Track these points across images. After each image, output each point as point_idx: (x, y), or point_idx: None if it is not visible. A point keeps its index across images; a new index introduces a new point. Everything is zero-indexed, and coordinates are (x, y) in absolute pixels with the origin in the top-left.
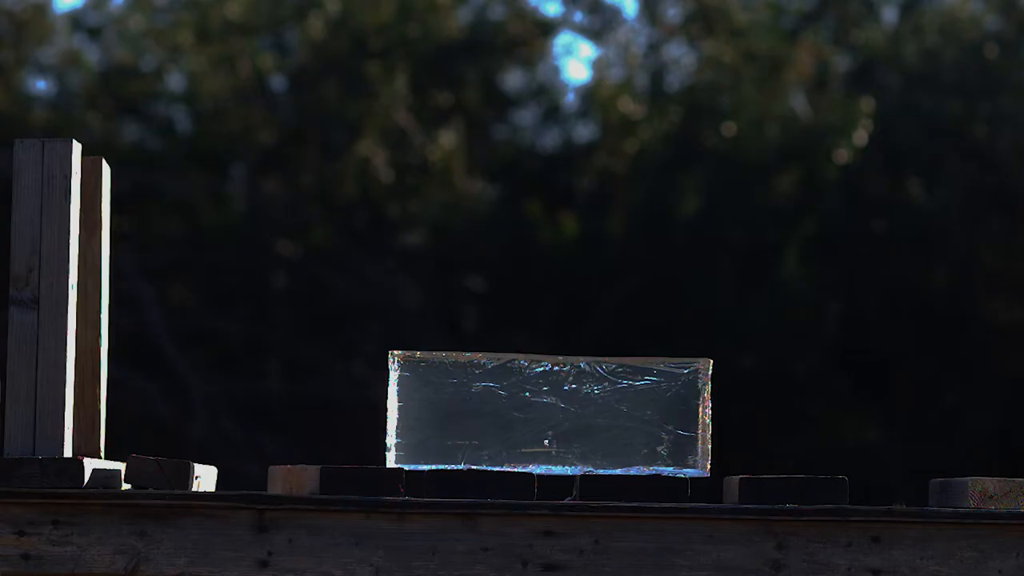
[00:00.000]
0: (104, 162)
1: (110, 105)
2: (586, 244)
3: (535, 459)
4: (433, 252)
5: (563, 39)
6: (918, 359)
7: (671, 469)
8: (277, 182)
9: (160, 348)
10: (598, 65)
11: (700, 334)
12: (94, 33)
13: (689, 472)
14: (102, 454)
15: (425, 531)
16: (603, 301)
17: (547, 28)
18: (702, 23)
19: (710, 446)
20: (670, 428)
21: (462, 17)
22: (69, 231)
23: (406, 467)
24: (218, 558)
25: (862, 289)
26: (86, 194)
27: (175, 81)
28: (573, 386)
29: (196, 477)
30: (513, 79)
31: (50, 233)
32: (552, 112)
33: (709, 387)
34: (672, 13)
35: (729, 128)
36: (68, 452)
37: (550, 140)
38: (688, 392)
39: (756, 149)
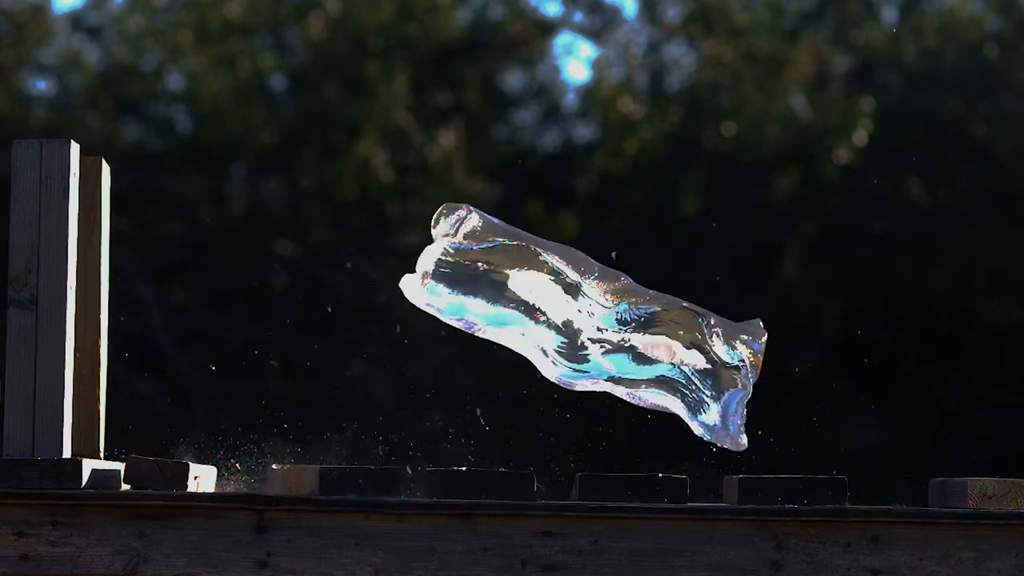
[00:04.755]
0: (104, 162)
1: (110, 105)
2: (586, 244)
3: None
4: None
5: (563, 39)
6: (918, 359)
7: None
8: (277, 182)
9: (160, 348)
10: (598, 65)
11: None
12: (94, 33)
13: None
14: (101, 454)
15: (424, 532)
16: None
17: (547, 28)
18: (702, 23)
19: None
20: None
21: (462, 17)
22: (68, 232)
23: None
24: (217, 559)
25: (862, 289)
26: (86, 194)
27: (175, 81)
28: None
29: (195, 477)
30: (513, 79)
31: (49, 234)
32: (552, 112)
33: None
34: (672, 13)
35: (729, 128)
36: (67, 453)
37: (550, 140)
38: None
39: (756, 149)
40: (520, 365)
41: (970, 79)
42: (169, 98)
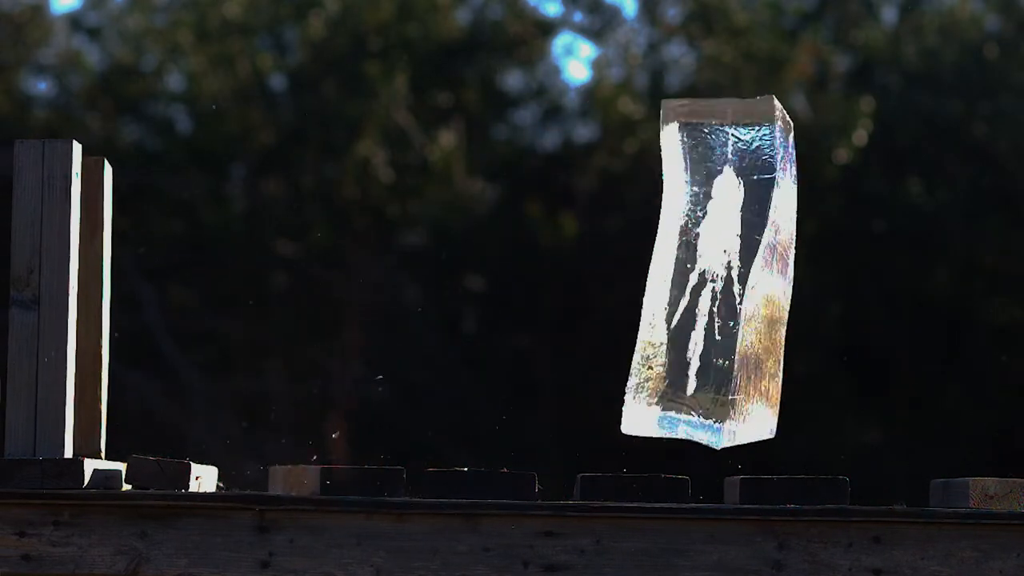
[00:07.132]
0: (106, 162)
1: (110, 105)
2: (586, 244)
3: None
4: (433, 252)
5: (563, 39)
6: (918, 359)
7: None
8: (277, 182)
9: (160, 348)
10: (598, 65)
11: None
12: (94, 33)
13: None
14: (103, 454)
15: (426, 531)
16: (603, 301)
17: (547, 28)
18: (702, 23)
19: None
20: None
21: (462, 17)
22: (70, 232)
23: None
24: (219, 559)
25: (862, 289)
26: (88, 194)
27: (175, 81)
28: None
29: (196, 478)
30: (513, 79)
31: (51, 234)
32: (552, 112)
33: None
34: (672, 13)
35: None
36: (69, 453)
37: (550, 140)
38: None
39: None
40: (522, 365)
41: (970, 79)
42: (169, 98)
